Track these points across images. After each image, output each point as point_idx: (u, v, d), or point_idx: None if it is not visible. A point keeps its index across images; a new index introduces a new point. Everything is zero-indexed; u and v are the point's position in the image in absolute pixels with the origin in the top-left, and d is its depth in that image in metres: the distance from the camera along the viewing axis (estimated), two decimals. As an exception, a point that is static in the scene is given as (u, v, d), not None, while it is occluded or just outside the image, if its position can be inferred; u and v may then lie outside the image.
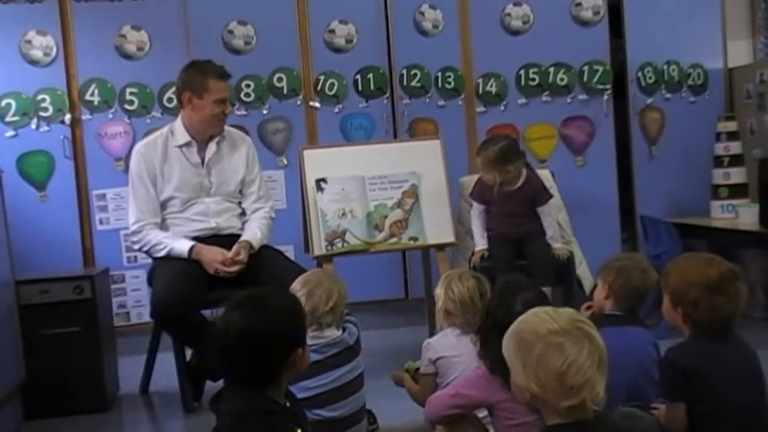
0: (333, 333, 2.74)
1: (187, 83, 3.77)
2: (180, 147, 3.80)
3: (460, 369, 2.81)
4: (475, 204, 4.24)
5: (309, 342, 2.66)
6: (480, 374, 2.40)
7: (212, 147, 3.83)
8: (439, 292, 2.97)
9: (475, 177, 4.61)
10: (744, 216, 4.74)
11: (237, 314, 1.87)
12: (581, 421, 1.71)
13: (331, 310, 2.69)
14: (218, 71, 3.76)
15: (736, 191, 4.98)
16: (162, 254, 3.71)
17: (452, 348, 2.85)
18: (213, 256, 3.65)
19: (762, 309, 4.76)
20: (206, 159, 3.82)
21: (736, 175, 5.02)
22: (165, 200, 3.79)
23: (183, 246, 3.68)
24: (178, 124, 3.84)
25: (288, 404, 1.95)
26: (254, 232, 3.79)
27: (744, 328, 2.40)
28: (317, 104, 5.04)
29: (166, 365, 3.84)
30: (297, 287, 2.73)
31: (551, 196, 4.25)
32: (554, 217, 4.28)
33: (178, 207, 3.80)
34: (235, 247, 3.67)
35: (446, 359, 2.87)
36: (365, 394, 2.83)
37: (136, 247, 3.91)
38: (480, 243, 4.16)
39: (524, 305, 2.13)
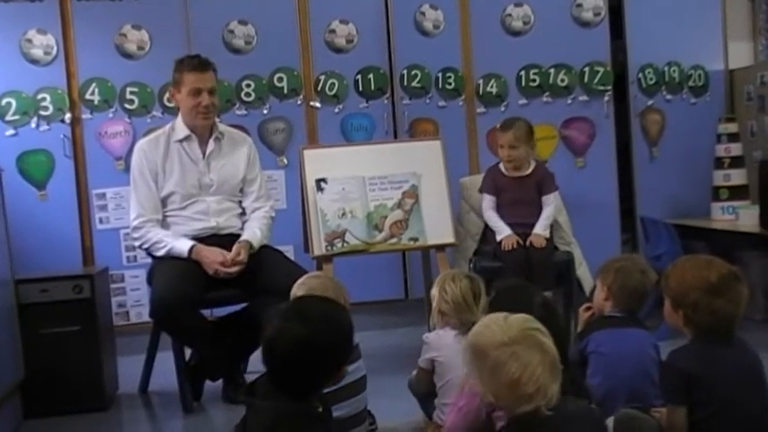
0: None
1: (172, 79, 3.85)
2: (180, 141, 3.82)
3: (457, 372, 2.81)
4: (486, 197, 4.32)
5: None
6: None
7: (212, 143, 3.84)
8: (434, 292, 2.96)
9: (476, 178, 4.66)
10: (744, 218, 4.73)
11: (292, 324, 1.85)
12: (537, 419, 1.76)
13: None
14: (192, 63, 3.79)
15: (737, 192, 4.98)
16: (162, 252, 3.71)
17: (450, 349, 2.84)
18: (213, 257, 3.65)
19: (762, 311, 4.75)
20: (206, 154, 3.83)
21: (737, 177, 5.01)
22: (165, 196, 3.79)
23: (183, 245, 3.68)
24: (178, 120, 3.87)
25: (320, 408, 1.95)
26: (253, 232, 3.79)
27: (744, 330, 2.39)
28: (318, 104, 5.03)
29: (166, 365, 3.83)
30: (300, 294, 2.71)
31: (557, 187, 4.37)
32: (554, 212, 4.32)
33: (178, 204, 3.80)
34: (235, 248, 3.67)
35: (442, 363, 2.87)
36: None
37: (136, 243, 3.90)
38: (505, 230, 4.19)
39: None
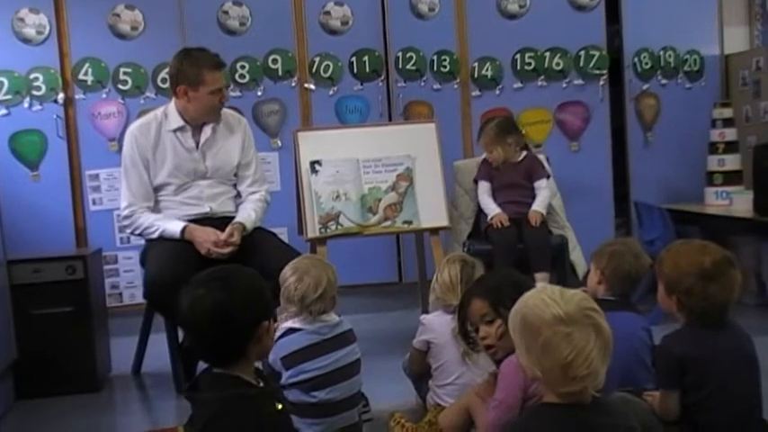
0: (330, 317, 2.75)
1: (182, 75, 3.67)
2: (174, 131, 3.76)
3: (452, 354, 2.82)
4: (481, 183, 4.41)
5: (306, 326, 2.68)
6: (513, 369, 2.25)
7: (207, 131, 3.78)
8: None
9: (469, 161, 4.68)
10: (738, 203, 4.75)
11: (203, 291, 1.90)
12: (580, 403, 1.70)
13: (320, 297, 2.68)
14: (212, 62, 3.68)
15: (731, 177, 4.99)
16: (155, 236, 3.70)
17: (446, 332, 2.85)
18: (206, 237, 3.63)
19: (755, 295, 4.77)
20: (200, 143, 3.78)
21: (731, 162, 5.02)
22: (158, 185, 3.76)
23: (175, 227, 3.67)
24: (171, 108, 3.77)
25: (261, 383, 1.98)
26: (247, 214, 3.77)
27: (737, 314, 2.40)
28: (312, 86, 5.02)
29: (159, 346, 3.83)
30: (287, 274, 2.73)
31: (549, 176, 4.42)
32: (548, 195, 4.36)
33: (172, 191, 3.77)
34: (228, 229, 3.65)
35: (438, 345, 2.88)
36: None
37: (128, 231, 3.91)
38: (494, 209, 4.29)
39: None
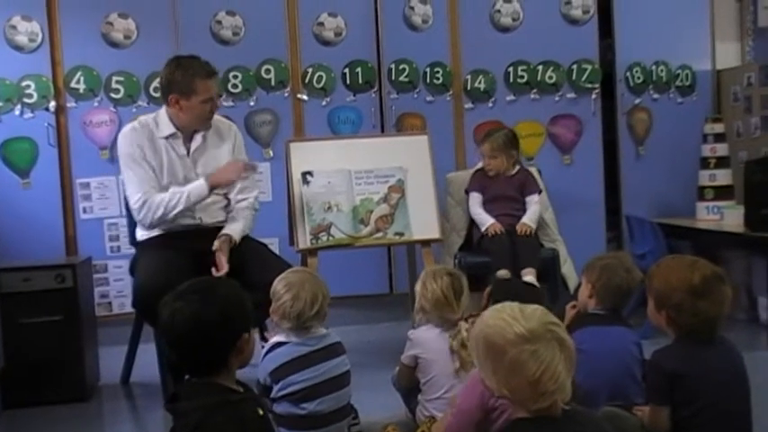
0: (318, 330, 2.74)
1: (173, 84, 3.63)
2: (166, 138, 3.74)
3: (439, 368, 2.82)
4: (473, 194, 4.43)
5: (293, 338, 2.68)
6: (472, 383, 2.33)
7: (198, 138, 3.75)
8: (417, 289, 2.96)
9: (462, 173, 4.68)
10: (729, 218, 4.76)
11: (182, 303, 1.91)
12: (550, 416, 1.69)
13: (316, 314, 2.69)
14: (204, 71, 3.63)
15: (722, 192, 5.00)
16: (182, 205, 3.60)
17: (434, 347, 2.84)
18: (228, 175, 3.65)
19: (745, 311, 4.78)
20: (191, 150, 3.76)
21: (722, 177, 5.03)
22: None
23: (198, 188, 3.63)
24: (162, 115, 3.74)
25: (242, 389, 1.99)
26: (235, 224, 3.73)
27: (728, 329, 2.40)
28: (305, 97, 5.02)
29: (148, 356, 3.81)
30: (280, 290, 2.71)
31: (540, 191, 4.44)
32: (539, 210, 4.38)
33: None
34: (217, 256, 3.59)
35: (426, 360, 2.87)
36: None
37: (147, 220, 3.66)
38: (489, 220, 4.29)
39: None
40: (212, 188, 3.65)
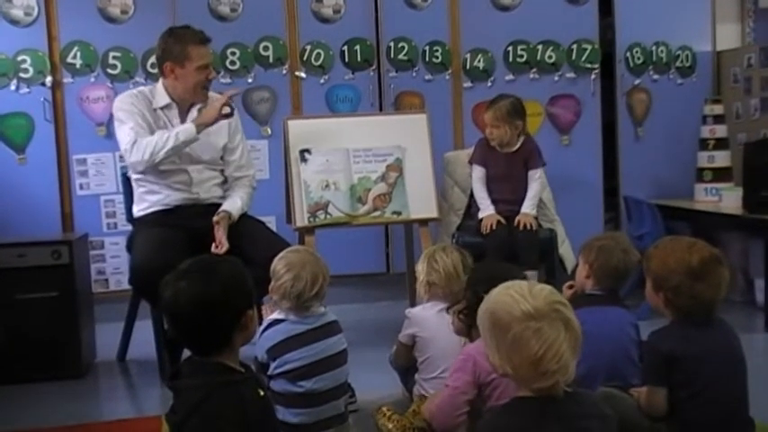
0: (317, 309, 2.74)
1: (167, 52, 3.66)
2: (162, 108, 3.73)
3: (438, 348, 2.82)
4: (476, 168, 4.33)
5: (291, 315, 2.67)
6: (464, 358, 2.41)
7: (194, 112, 3.75)
8: (421, 266, 2.97)
9: (460, 153, 4.65)
10: (727, 200, 4.75)
11: (184, 283, 1.90)
12: (551, 396, 1.70)
13: (316, 295, 2.68)
14: (197, 37, 3.66)
15: (721, 174, 4.99)
16: (171, 144, 3.56)
17: (432, 325, 2.85)
18: (211, 112, 3.63)
19: (742, 293, 4.78)
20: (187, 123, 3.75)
21: (721, 159, 5.02)
22: None
23: (186, 129, 3.60)
24: (159, 87, 3.76)
25: (244, 370, 1.98)
26: (233, 201, 3.74)
27: (724, 311, 2.40)
28: (303, 75, 4.99)
29: (144, 333, 3.81)
30: (281, 270, 2.69)
31: (545, 163, 4.36)
32: (540, 188, 4.32)
33: (160, 175, 3.72)
34: (216, 231, 3.59)
35: (423, 339, 2.88)
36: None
37: (138, 159, 3.58)
38: (487, 208, 4.22)
39: None
40: (199, 128, 3.62)
